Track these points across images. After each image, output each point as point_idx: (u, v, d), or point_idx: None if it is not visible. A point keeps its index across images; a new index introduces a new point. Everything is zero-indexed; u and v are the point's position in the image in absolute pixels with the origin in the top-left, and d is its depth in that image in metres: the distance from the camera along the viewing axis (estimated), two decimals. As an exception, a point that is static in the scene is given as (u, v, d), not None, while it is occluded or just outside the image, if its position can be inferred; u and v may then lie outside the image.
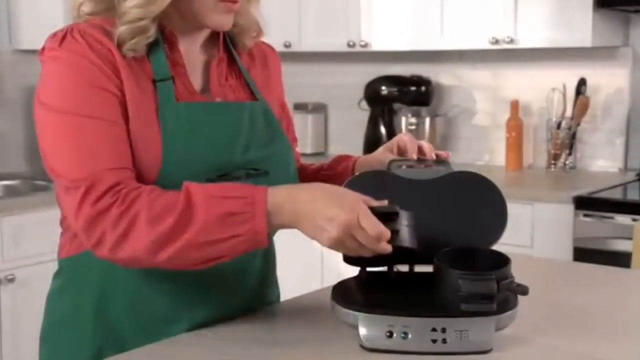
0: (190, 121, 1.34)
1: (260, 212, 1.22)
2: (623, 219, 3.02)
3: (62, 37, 1.32)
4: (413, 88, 4.03)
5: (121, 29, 1.32)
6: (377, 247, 1.21)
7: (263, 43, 1.57)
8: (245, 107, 1.43)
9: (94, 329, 1.40)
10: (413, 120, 3.96)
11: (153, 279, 1.37)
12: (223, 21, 1.39)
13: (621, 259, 2.81)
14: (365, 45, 3.92)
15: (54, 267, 1.49)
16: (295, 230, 1.25)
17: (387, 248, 1.21)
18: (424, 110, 4.00)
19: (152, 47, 1.37)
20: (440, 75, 4.10)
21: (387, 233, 1.20)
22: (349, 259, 1.31)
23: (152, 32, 1.34)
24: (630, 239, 2.86)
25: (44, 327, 1.48)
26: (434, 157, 1.45)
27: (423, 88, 4.02)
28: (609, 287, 1.66)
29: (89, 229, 1.25)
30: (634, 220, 2.96)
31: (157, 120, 1.32)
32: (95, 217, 1.24)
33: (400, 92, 4.02)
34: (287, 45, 4.03)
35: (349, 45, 3.94)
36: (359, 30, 3.95)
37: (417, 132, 3.95)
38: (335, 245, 1.21)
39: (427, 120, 3.96)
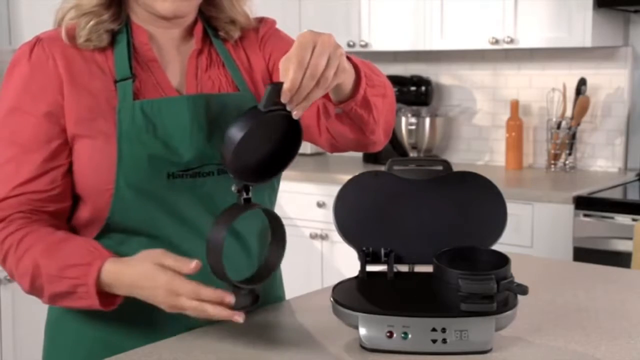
0: (145, 119, 1.33)
1: (92, 293, 1.25)
2: (623, 219, 3.02)
3: (29, 48, 1.41)
4: (413, 88, 4.03)
5: (79, 22, 1.36)
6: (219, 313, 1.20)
7: (256, 21, 1.50)
8: (212, 98, 1.39)
9: (87, 328, 1.41)
10: (413, 120, 3.96)
11: None
12: (170, 7, 1.35)
13: (621, 259, 2.80)
14: (365, 45, 3.92)
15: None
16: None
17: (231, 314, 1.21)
18: (424, 110, 4.00)
19: (116, 44, 1.37)
20: (440, 75, 4.11)
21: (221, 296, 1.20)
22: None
23: (106, 17, 1.36)
24: (630, 239, 2.85)
25: (46, 322, 1.50)
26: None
27: (423, 88, 4.02)
28: (609, 287, 1.65)
29: None
30: (634, 220, 2.96)
31: (114, 120, 1.33)
32: None
33: (400, 92, 4.02)
34: (287, 45, 4.02)
35: (349, 45, 3.94)
36: (359, 30, 3.95)
37: (417, 132, 3.96)
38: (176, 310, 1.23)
39: (427, 120, 3.96)
